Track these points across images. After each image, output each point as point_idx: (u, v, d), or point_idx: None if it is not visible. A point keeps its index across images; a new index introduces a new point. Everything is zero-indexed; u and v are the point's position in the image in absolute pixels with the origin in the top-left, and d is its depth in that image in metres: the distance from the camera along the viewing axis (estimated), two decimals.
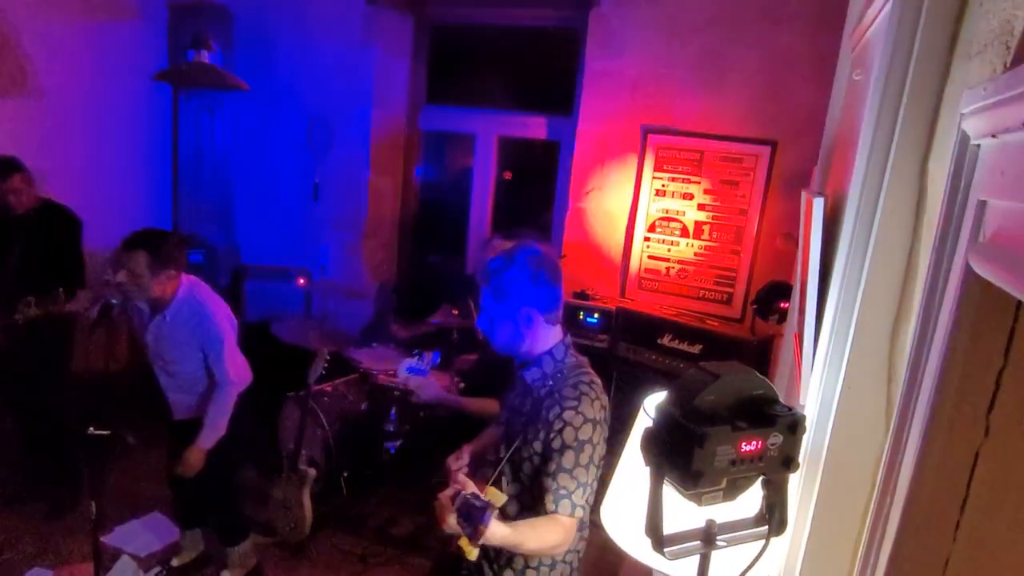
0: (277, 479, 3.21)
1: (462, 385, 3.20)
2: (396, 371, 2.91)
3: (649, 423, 0.97)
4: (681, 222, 3.78)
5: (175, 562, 3.06)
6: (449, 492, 1.48)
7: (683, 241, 3.78)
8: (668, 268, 3.84)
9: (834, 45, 2.16)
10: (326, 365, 3.16)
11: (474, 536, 1.39)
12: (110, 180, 4.22)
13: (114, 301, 2.44)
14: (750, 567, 1.04)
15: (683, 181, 3.74)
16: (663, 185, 3.79)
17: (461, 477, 1.51)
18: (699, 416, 0.88)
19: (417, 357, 2.86)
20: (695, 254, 3.76)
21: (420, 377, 2.71)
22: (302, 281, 4.32)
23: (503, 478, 1.71)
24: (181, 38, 4.35)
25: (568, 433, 1.58)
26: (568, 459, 1.57)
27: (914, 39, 0.96)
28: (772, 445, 0.92)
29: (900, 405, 0.88)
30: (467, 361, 3.46)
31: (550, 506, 1.58)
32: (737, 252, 3.67)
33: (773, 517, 1.00)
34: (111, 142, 4.28)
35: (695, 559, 1.04)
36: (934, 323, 0.80)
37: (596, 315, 3.62)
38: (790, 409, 0.93)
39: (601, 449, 1.63)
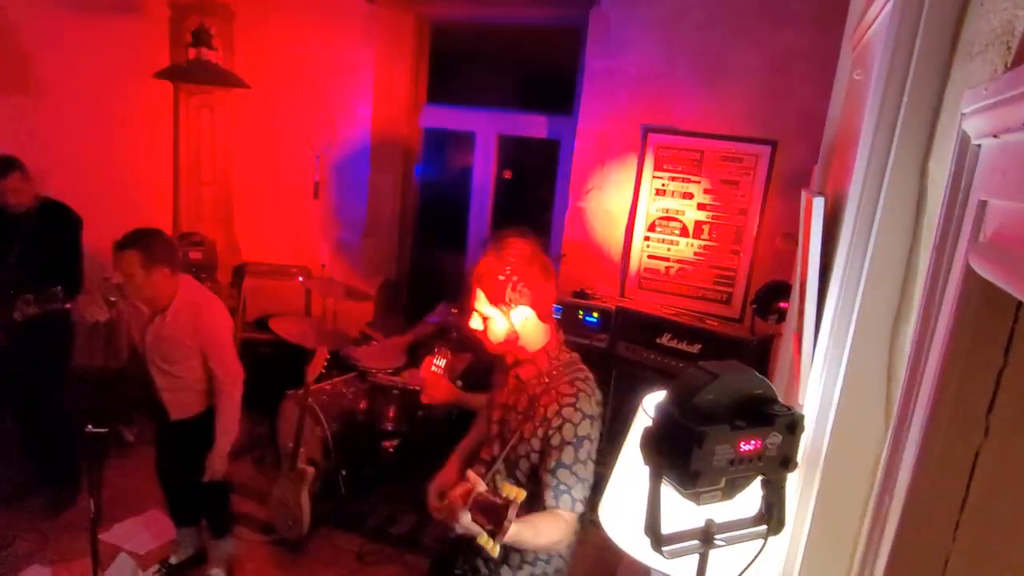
0: (276, 477, 3.21)
1: (459, 383, 3.20)
2: (422, 370, 2.78)
3: (648, 422, 0.97)
4: (681, 222, 3.78)
5: (173, 559, 3.06)
6: (460, 491, 1.46)
7: (683, 241, 3.78)
8: (668, 268, 3.84)
9: (835, 44, 2.16)
10: (325, 364, 3.16)
11: (498, 533, 1.38)
12: (110, 178, 4.22)
13: (113, 300, 2.45)
14: (748, 566, 1.04)
15: (683, 180, 3.74)
16: (663, 184, 3.79)
17: (472, 475, 1.51)
18: (698, 415, 0.88)
19: (441, 357, 2.75)
20: (695, 254, 3.76)
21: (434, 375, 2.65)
22: (302, 279, 4.32)
23: (497, 477, 1.71)
24: (182, 36, 4.35)
25: (567, 429, 1.59)
26: (568, 455, 1.59)
27: (915, 39, 0.95)
28: (771, 445, 0.92)
29: (899, 405, 0.88)
30: (462, 360, 3.46)
31: (551, 502, 1.58)
32: (737, 252, 3.67)
33: (772, 517, 1.00)
34: (111, 140, 4.28)
35: (694, 558, 1.04)
36: (934, 323, 0.80)
37: (595, 314, 3.62)
38: (789, 409, 0.93)
39: (596, 444, 1.65)
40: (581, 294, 3.79)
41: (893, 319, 1.02)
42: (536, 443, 1.64)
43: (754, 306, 3.16)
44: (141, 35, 4.35)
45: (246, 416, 2.85)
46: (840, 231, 1.15)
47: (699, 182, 3.70)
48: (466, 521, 1.41)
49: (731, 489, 0.93)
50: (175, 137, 4.57)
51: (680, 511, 0.97)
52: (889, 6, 1.08)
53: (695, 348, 3.31)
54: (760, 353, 3.16)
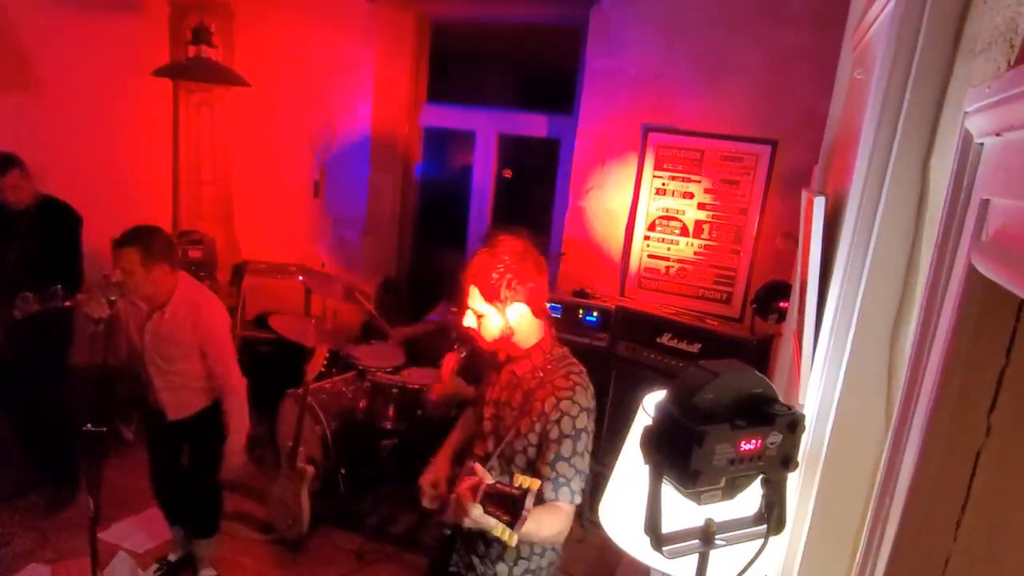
0: (275, 476, 3.21)
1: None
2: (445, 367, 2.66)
3: (648, 421, 0.96)
4: (681, 221, 3.77)
5: (172, 557, 3.06)
6: (468, 484, 1.46)
7: (683, 240, 3.78)
8: (668, 267, 3.83)
9: (836, 43, 2.16)
10: (325, 362, 3.16)
11: (516, 523, 1.36)
12: (110, 176, 4.21)
13: (113, 298, 2.45)
14: (748, 566, 1.04)
15: (683, 180, 3.74)
16: (663, 184, 3.79)
17: (479, 468, 1.51)
18: (698, 414, 0.88)
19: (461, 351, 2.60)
20: (695, 253, 3.76)
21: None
22: (301, 277, 4.32)
23: (491, 472, 1.72)
24: (182, 33, 4.35)
25: (566, 423, 1.61)
26: (566, 448, 1.61)
27: (917, 36, 0.95)
28: (771, 444, 0.91)
29: (900, 404, 0.88)
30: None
31: (550, 495, 1.60)
32: (737, 251, 3.66)
33: (772, 516, 1.00)
34: (111, 138, 4.27)
35: (694, 558, 1.03)
36: (935, 322, 0.80)
37: (595, 313, 3.62)
38: (789, 408, 0.93)
39: (592, 436, 1.67)
40: (581, 293, 3.79)
41: (894, 318, 1.01)
42: (533, 437, 1.65)
43: (754, 306, 3.16)
44: (141, 33, 4.35)
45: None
46: (841, 230, 1.15)
47: (699, 181, 3.70)
48: (477, 514, 1.40)
49: (731, 488, 0.93)
50: (175, 135, 4.57)
51: (680, 510, 0.97)
52: (891, 5, 1.07)
53: (695, 348, 3.31)
54: (760, 353, 3.16)
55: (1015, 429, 0.73)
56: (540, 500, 1.59)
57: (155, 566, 3.04)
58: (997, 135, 0.66)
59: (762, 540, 1.01)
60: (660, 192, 3.80)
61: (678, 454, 0.89)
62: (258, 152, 4.74)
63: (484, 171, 4.62)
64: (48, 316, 2.96)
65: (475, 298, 1.67)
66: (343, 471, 3.46)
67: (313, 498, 3.17)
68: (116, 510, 3.31)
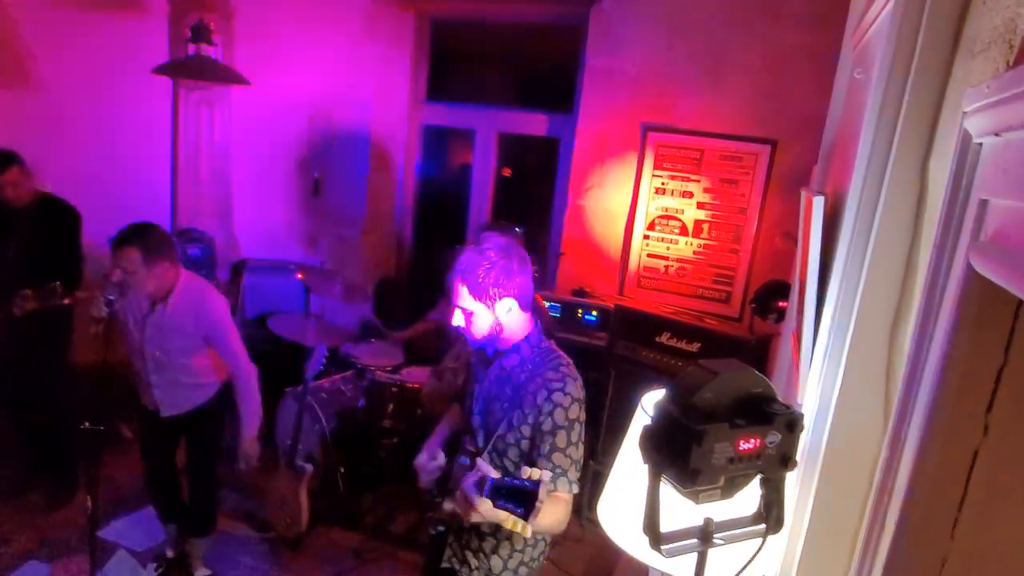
0: (274, 474, 3.21)
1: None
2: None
3: (647, 421, 0.96)
4: (680, 220, 3.77)
5: (170, 554, 3.06)
6: (472, 479, 1.46)
7: (682, 239, 3.78)
8: (667, 266, 3.84)
9: (835, 43, 2.16)
10: (324, 361, 3.15)
11: (529, 514, 1.37)
12: (109, 174, 4.21)
13: (112, 297, 2.44)
14: (747, 565, 1.04)
15: (683, 179, 3.74)
16: (663, 183, 3.79)
17: (483, 463, 1.51)
18: (697, 414, 0.88)
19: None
20: (694, 252, 3.76)
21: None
22: (301, 276, 4.31)
23: (506, 462, 1.73)
24: (181, 31, 4.34)
25: (559, 414, 1.63)
26: (561, 439, 1.63)
27: (916, 37, 0.95)
28: (770, 443, 0.92)
29: (899, 404, 0.88)
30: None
31: (548, 485, 1.60)
32: (736, 251, 3.67)
33: (770, 515, 1.00)
34: (111, 136, 4.27)
35: (692, 557, 1.04)
36: (934, 322, 0.80)
37: (594, 313, 3.62)
38: (788, 407, 0.93)
39: (584, 425, 1.70)
40: (580, 292, 3.79)
41: (893, 318, 1.02)
42: (526, 430, 1.67)
43: (753, 305, 3.16)
44: (140, 31, 4.34)
45: (229, 413, 2.85)
46: (840, 230, 1.15)
47: (699, 181, 3.70)
48: (487, 508, 1.42)
49: (730, 488, 0.93)
50: (174, 133, 4.56)
51: (679, 509, 0.97)
52: (890, 5, 1.08)
53: (694, 347, 3.31)
54: (759, 352, 3.16)
55: (1013, 428, 0.73)
56: None
57: (154, 564, 3.04)
58: (996, 135, 0.67)
59: (761, 539, 1.02)
60: (659, 191, 3.80)
61: (677, 453, 0.89)
62: (257, 150, 4.74)
63: (483, 170, 4.62)
64: (47, 314, 2.96)
65: (464, 297, 1.69)
66: (342, 470, 3.45)
67: (312, 497, 3.17)
68: (115, 508, 3.31)
